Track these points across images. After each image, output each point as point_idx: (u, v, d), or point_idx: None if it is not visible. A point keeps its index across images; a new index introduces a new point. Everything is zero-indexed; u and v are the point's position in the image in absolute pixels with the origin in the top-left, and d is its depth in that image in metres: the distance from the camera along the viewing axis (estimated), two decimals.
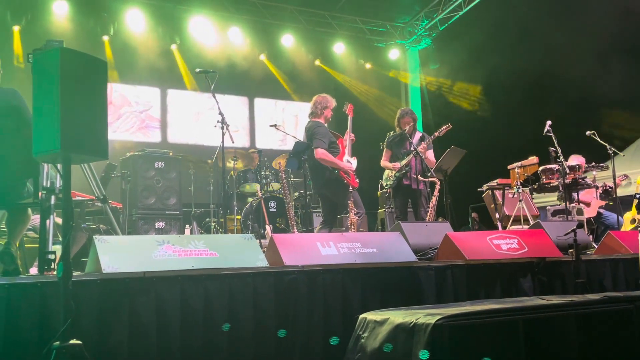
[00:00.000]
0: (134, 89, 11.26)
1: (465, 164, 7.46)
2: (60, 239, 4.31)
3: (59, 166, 3.15)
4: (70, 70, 3.01)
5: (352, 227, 6.08)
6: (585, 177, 7.40)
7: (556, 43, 10.50)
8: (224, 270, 3.78)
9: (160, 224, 7.64)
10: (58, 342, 2.86)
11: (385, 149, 7.29)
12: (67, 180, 3.08)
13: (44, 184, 3.98)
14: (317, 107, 6.58)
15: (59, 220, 4.30)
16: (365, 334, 3.18)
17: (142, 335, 3.41)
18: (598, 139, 7.60)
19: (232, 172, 8.92)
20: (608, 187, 7.96)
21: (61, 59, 2.98)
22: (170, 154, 8.20)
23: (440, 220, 8.41)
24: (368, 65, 13.59)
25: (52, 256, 3.72)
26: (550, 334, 2.99)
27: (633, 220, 8.15)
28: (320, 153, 6.27)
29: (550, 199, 10.46)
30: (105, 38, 10.70)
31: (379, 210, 10.18)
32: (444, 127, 7.09)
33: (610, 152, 7.61)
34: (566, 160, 7.54)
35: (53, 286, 3.16)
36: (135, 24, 10.84)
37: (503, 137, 11.11)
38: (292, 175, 9.14)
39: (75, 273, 3.51)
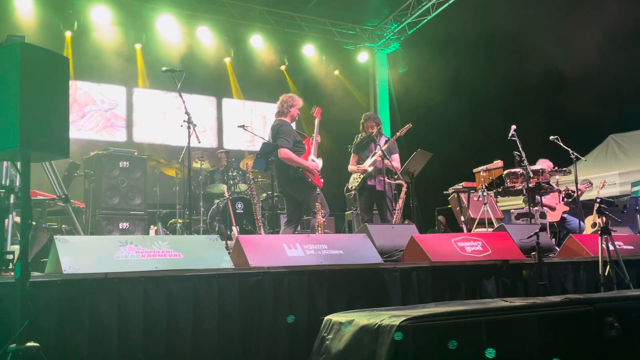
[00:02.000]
0: (99, 87, 11.08)
1: (431, 166, 7.54)
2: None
3: (18, 164, 3.06)
4: (31, 66, 2.94)
5: (319, 228, 6.08)
6: (549, 181, 7.53)
7: (524, 46, 10.67)
8: (188, 272, 3.74)
9: (124, 225, 7.51)
10: (14, 345, 2.79)
11: (352, 154, 7.35)
12: (26, 178, 3.01)
13: (3, 182, 3.89)
14: (283, 106, 6.60)
15: (19, 220, 4.20)
16: (330, 336, 3.17)
17: (103, 338, 3.34)
18: (561, 144, 7.74)
19: (200, 175, 8.83)
20: (570, 191, 8.12)
21: (21, 55, 2.91)
22: (136, 153, 8.07)
23: (406, 222, 8.47)
24: (337, 71, 13.60)
25: (10, 256, 3.63)
26: (512, 335, 3.03)
27: (594, 224, 8.33)
28: (284, 153, 6.27)
29: (514, 203, 10.64)
30: (69, 34, 10.49)
31: (347, 212, 10.21)
32: (405, 127, 7.17)
33: (572, 157, 7.76)
34: (534, 163, 7.67)
35: (10, 287, 3.08)
36: (102, 20, 10.66)
37: (469, 140, 11.26)
38: (259, 177, 9.10)
39: (35, 274, 3.43)
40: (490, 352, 2.76)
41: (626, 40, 9.93)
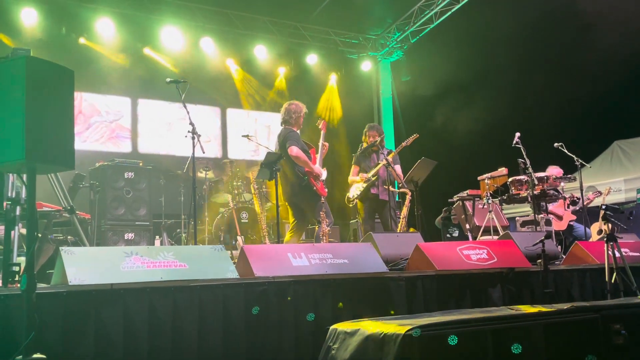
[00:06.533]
0: (104, 99, 11.12)
1: (436, 175, 7.53)
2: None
3: (23, 176, 3.08)
4: (37, 79, 2.97)
5: (324, 237, 6.08)
6: (556, 188, 7.51)
7: (528, 54, 10.68)
8: (193, 282, 3.74)
9: (129, 235, 7.53)
10: (21, 357, 2.79)
11: (353, 165, 7.36)
12: (31, 190, 3.03)
13: (9, 195, 3.91)
14: (290, 116, 6.59)
15: (25, 231, 4.21)
16: (336, 345, 3.16)
17: (108, 349, 3.34)
18: (566, 151, 7.72)
19: (205, 185, 8.85)
20: (575, 198, 8.10)
21: (27, 68, 2.94)
22: (141, 164, 8.10)
23: (411, 230, 8.45)
24: (340, 79, 13.60)
25: (16, 268, 3.64)
26: (518, 344, 3.02)
27: (600, 231, 8.30)
28: (295, 151, 6.27)
29: (519, 210, 10.61)
30: (74, 45, 10.53)
31: (351, 221, 10.19)
32: (412, 137, 7.19)
33: (577, 163, 7.74)
34: (541, 170, 7.64)
35: (16, 299, 3.09)
36: (106, 33, 10.71)
37: (474, 148, 11.24)
38: (264, 186, 9.10)
39: (41, 285, 3.44)
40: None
41: None
